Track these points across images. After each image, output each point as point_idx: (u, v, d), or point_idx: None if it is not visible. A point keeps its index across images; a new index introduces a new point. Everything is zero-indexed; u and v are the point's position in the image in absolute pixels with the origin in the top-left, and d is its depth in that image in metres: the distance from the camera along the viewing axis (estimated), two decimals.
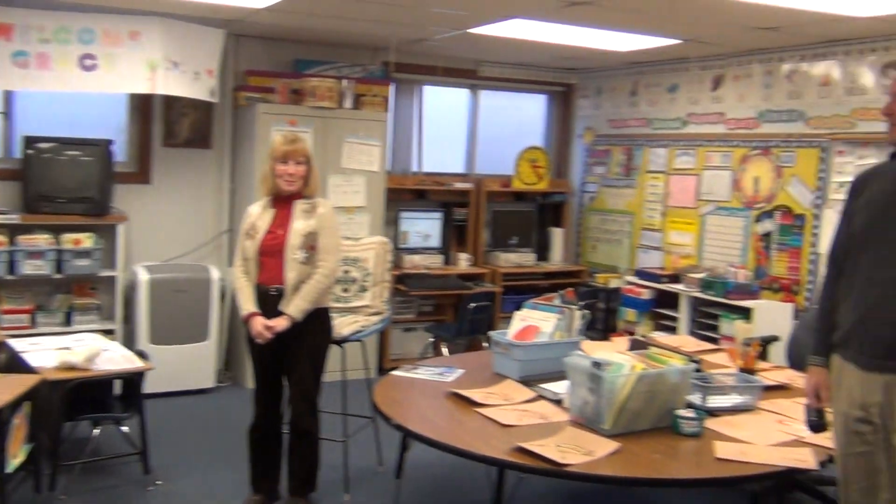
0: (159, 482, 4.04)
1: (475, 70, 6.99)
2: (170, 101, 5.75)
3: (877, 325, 2.46)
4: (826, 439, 2.80)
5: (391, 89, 6.50)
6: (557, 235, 7.17)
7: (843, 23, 4.59)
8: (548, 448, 2.72)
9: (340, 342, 4.03)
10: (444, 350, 5.80)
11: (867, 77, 5.02)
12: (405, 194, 6.66)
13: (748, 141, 5.78)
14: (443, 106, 7.16)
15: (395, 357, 6.27)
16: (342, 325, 4.07)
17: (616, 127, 7.00)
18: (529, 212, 7.20)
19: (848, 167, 5.06)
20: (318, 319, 3.66)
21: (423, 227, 6.63)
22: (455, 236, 6.86)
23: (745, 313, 5.25)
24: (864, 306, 2.50)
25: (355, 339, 4.13)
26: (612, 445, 2.80)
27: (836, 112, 5.20)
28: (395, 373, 3.69)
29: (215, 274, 5.61)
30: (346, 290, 4.33)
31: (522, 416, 3.09)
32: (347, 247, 4.32)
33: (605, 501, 4.08)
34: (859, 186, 2.69)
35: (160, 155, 5.90)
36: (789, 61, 5.50)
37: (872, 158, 4.83)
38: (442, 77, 6.84)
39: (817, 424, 2.75)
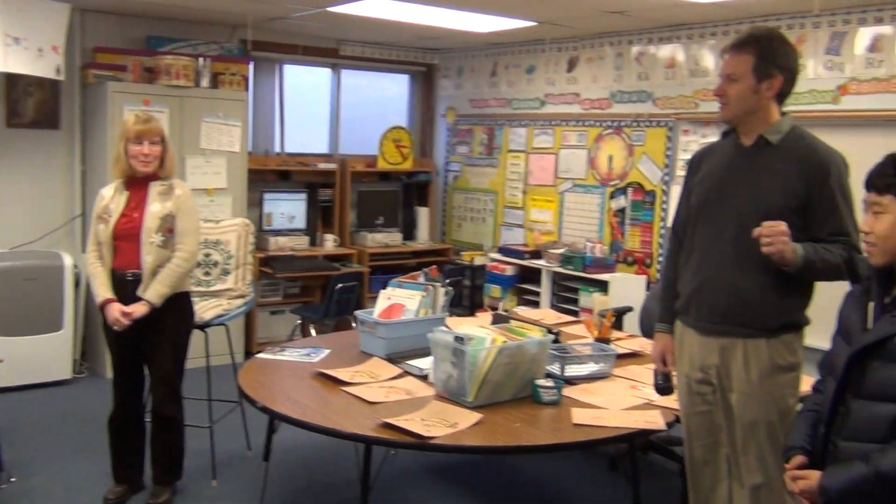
0: (13, 479, 3.85)
1: (336, 49, 6.95)
2: (12, 80, 5.43)
3: (712, 293, 2.65)
4: (672, 401, 2.99)
5: (250, 68, 6.37)
6: (423, 214, 7.26)
7: (686, 8, 4.84)
8: (413, 422, 2.78)
9: (203, 327, 3.96)
10: (312, 331, 5.78)
11: (708, 60, 5.32)
12: (268, 175, 6.57)
13: (602, 120, 6.01)
14: (304, 85, 7.09)
15: (262, 341, 6.19)
16: (204, 310, 4.00)
17: (477, 107, 7.13)
18: (395, 191, 7.24)
19: (692, 145, 5.36)
20: (178, 304, 3.58)
21: (288, 209, 6.56)
22: (321, 217, 6.82)
23: (603, 286, 5.50)
24: (700, 276, 2.69)
25: (218, 323, 4.06)
26: (474, 417, 2.89)
27: (680, 93, 5.49)
28: (260, 355, 3.66)
29: (68, 261, 5.37)
30: (207, 274, 4.25)
31: (389, 393, 3.14)
32: (208, 229, 4.23)
33: (471, 472, 4.20)
34: (696, 163, 2.87)
35: (3, 136, 5.57)
36: (638, 44, 5.76)
37: (714, 137, 5.13)
38: (302, 56, 6.76)
39: (664, 387, 2.94)
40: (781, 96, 2.67)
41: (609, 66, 5.96)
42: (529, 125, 6.59)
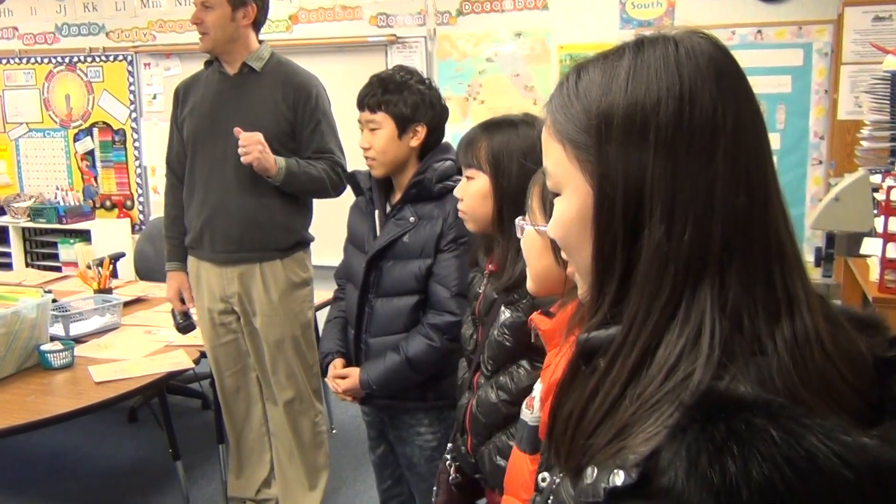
0: None
1: None
2: None
3: (222, 222, 2.67)
4: (194, 338, 2.97)
5: None
6: None
7: None
8: None
9: None
10: None
11: None
12: None
13: (50, 57, 5.49)
14: None
15: None
16: None
17: None
18: None
19: (157, 79, 5.22)
20: None
21: None
22: None
23: (84, 235, 5.14)
24: (208, 207, 2.68)
25: None
26: None
27: (134, 25, 5.26)
28: None
29: None
30: None
31: None
32: None
33: None
34: (181, 96, 2.81)
35: None
36: None
37: (178, 69, 5.06)
38: None
39: (185, 326, 2.91)
40: (257, 25, 2.75)
41: None
42: None
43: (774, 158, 0.75)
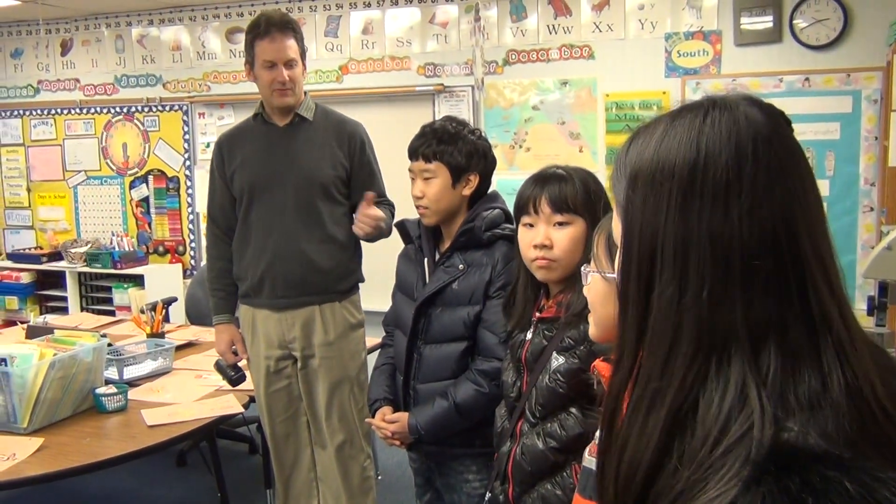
0: None
1: None
2: None
3: (284, 268, 2.72)
4: (243, 384, 3.00)
5: None
6: None
7: None
8: None
9: None
10: None
11: (215, 42, 5.34)
12: None
13: (109, 107, 5.68)
14: None
15: None
16: None
17: None
18: None
19: (211, 128, 5.36)
20: None
21: None
22: None
23: (137, 280, 5.26)
24: (269, 254, 2.73)
25: None
26: (35, 443, 2.59)
27: (190, 76, 5.43)
28: None
29: None
30: None
31: None
32: None
33: (38, 502, 3.75)
34: (226, 148, 2.86)
35: None
36: (138, 26, 5.53)
37: (231, 118, 5.20)
38: None
39: (237, 378, 2.92)
40: None
41: (109, 48, 5.63)
42: (24, 116, 5.95)
43: (823, 205, 0.75)
